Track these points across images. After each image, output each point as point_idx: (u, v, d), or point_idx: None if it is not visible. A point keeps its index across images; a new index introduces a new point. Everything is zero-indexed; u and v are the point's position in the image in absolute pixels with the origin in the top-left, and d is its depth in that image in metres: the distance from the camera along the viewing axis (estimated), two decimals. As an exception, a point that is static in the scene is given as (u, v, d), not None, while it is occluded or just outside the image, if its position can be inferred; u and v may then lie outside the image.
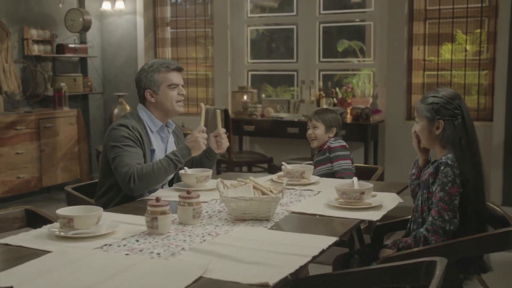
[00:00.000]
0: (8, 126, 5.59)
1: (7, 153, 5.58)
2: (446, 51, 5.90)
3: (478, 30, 5.72)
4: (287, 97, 7.12)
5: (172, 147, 3.02)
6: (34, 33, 6.24)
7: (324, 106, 6.14)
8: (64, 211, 2.08)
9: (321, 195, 2.70)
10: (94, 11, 6.96)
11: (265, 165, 6.15)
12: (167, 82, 2.88)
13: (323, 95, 6.23)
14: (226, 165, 6.02)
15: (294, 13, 6.55)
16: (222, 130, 2.99)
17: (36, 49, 6.26)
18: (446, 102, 2.41)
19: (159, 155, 2.91)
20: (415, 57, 5.94)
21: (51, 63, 6.39)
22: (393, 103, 6.00)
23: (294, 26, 6.57)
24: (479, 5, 5.66)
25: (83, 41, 6.90)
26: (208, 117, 5.93)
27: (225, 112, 5.84)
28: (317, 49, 6.43)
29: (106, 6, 6.96)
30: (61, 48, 6.52)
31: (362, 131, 5.74)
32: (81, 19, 6.53)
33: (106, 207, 2.80)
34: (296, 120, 6.00)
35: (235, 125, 6.13)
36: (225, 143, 2.98)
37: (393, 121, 6.00)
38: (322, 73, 6.49)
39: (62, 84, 6.27)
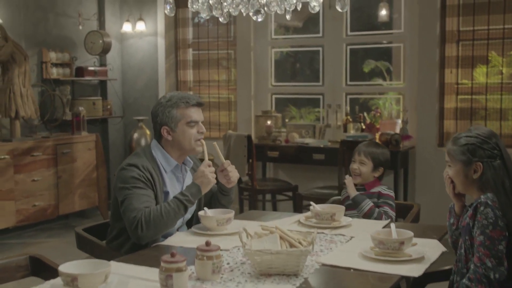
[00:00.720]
0: (24, 152, 5.43)
1: (23, 181, 5.41)
2: (480, 74, 5.62)
3: (515, 52, 5.43)
4: (312, 118, 6.89)
5: None
6: (53, 56, 6.11)
7: (352, 132, 5.89)
8: (68, 267, 1.85)
9: (354, 242, 2.44)
10: (115, 33, 6.82)
11: (290, 193, 5.89)
12: (186, 119, 2.65)
13: (350, 120, 5.97)
14: (249, 193, 5.77)
15: (320, 34, 6.32)
16: (226, 163, 2.76)
17: (55, 73, 6.12)
18: (482, 142, 2.16)
19: None
20: (448, 80, 5.67)
21: (69, 87, 6.25)
22: (424, 129, 5.72)
23: (320, 48, 6.35)
24: (516, 26, 5.37)
25: (103, 63, 6.76)
26: (230, 144, 5.71)
27: (248, 137, 5.62)
28: (344, 72, 6.19)
29: (126, 27, 6.81)
30: (80, 71, 6.38)
31: (392, 158, 5.40)
32: (101, 41, 6.39)
33: (118, 251, 2.59)
34: (322, 146, 5.76)
35: (259, 150, 5.89)
36: (234, 175, 2.76)
37: (425, 148, 5.72)
38: (349, 96, 6.25)
39: (81, 108, 6.11)
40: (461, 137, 2.21)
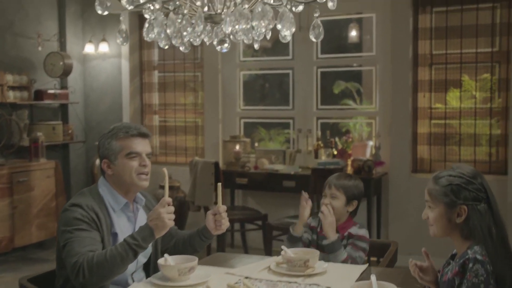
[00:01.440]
0: (-24, 182, 5.09)
1: (-25, 212, 5.07)
2: (454, 98, 5.48)
3: (487, 75, 5.31)
4: (281, 140, 6.69)
5: None
6: (10, 78, 5.78)
7: (323, 157, 5.70)
8: None
9: (330, 294, 2.20)
10: (76, 55, 6.53)
11: (259, 222, 5.65)
12: (126, 150, 2.40)
13: (322, 145, 5.78)
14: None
15: (290, 56, 6.14)
16: (222, 208, 2.53)
17: (11, 96, 5.79)
18: (467, 182, 1.96)
19: None
20: (421, 104, 5.52)
21: (27, 111, 5.94)
22: (397, 154, 5.55)
23: (290, 71, 6.16)
24: (489, 49, 5.26)
25: (63, 86, 6.46)
26: (196, 171, 5.45)
27: (215, 164, 5.38)
28: (315, 95, 6.00)
29: (89, 49, 6.53)
30: (39, 94, 6.07)
31: (365, 185, 5.12)
32: (61, 63, 6.10)
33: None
34: (292, 173, 5.54)
35: (227, 177, 5.65)
36: (225, 223, 2.54)
37: (398, 174, 5.54)
38: (320, 121, 6.06)
39: (39, 133, 5.80)
40: (443, 176, 2.01)
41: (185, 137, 6.57)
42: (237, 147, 5.90)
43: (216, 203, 2.59)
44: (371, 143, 5.80)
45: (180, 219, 6.02)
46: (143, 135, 2.46)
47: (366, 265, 2.58)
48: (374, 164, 5.38)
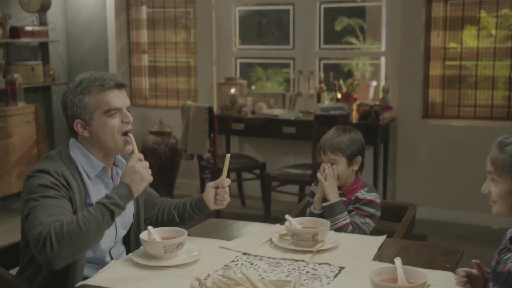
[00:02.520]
0: None
1: None
2: (470, 37, 5.04)
3: (507, 11, 4.85)
4: (280, 80, 6.27)
5: None
6: (-19, 14, 5.30)
7: (326, 102, 5.29)
8: None
9: (345, 278, 1.85)
10: (56, -13, 6.01)
11: (257, 171, 5.30)
12: (103, 107, 2.00)
13: (324, 88, 5.37)
14: (210, 171, 5.16)
15: (290, -10, 5.64)
16: (227, 181, 2.23)
17: (-16, 33, 5.32)
18: None
19: None
20: (434, 44, 5.07)
21: (2, 50, 5.47)
22: (407, 99, 5.15)
23: (290, 7, 5.66)
24: (511, -18, 4.78)
25: (43, 22, 5.97)
26: (188, 117, 5.06)
27: (209, 110, 4.98)
28: (317, 34, 5.53)
29: (69, -19, 6.00)
30: (15, 32, 5.59)
31: (371, 132, 4.90)
32: (38, -3, 5.58)
33: (30, 284, 1.97)
34: (292, 118, 5.15)
35: (222, 123, 5.27)
36: (228, 198, 2.25)
37: (407, 120, 5.15)
38: (322, 61, 5.61)
39: (17, 75, 5.37)
40: (509, 143, 1.62)
41: (176, 79, 6.13)
42: (233, 90, 5.49)
43: (215, 179, 2.28)
44: (374, 83, 5.40)
45: (171, 168, 5.67)
46: (120, 86, 2.05)
47: (383, 238, 2.22)
48: (381, 109, 4.99)
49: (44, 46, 6.02)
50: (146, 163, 1.94)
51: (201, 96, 5.89)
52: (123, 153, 2.09)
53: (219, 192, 2.22)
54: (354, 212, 2.44)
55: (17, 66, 5.59)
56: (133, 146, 2.02)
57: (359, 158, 2.50)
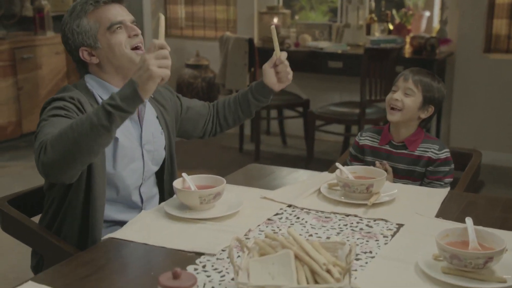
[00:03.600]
0: (-27, 59, 4.62)
1: (-27, 94, 4.65)
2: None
3: None
4: (324, 10, 5.99)
5: (151, 127, 1.98)
6: None
7: (376, 34, 5.01)
8: None
9: (405, 238, 1.68)
10: None
11: (300, 109, 5.10)
12: (104, 23, 1.85)
13: (375, 19, 5.07)
14: (250, 108, 4.99)
15: None
16: (283, 54, 2.08)
17: (9, -45, 5.15)
18: None
19: (129, 145, 1.90)
20: (502, -32, 4.70)
21: (29, -27, 5.31)
22: (467, 30, 4.82)
23: None
24: None
25: None
26: (227, 49, 4.86)
27: (249, 41, 4.77)
28: (369, -43, 5.19)
29: None
30: (43, -45, 5.40)
31: (426, 67, 4.52)
32: None
33: (50, 229, 1.87)
34: (339, 51, 4.91)
35: (263, 56, 5.03)
36: (290, 71, 2.09)
37: (467, 54, 4.84)
38: (374, -12, 5.29)
39: (44, 1, 5.22)
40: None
41: (214, 8, 5.90)
42: (275, 20, 5.26)
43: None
44: (427, 14, 5.08)
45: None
46: (116, 0, 1.89)
47: (447, 190, 2.03)
48: (438, 42, 4.69)
49: (73, -29, 5.82)
50: (164, 53, 1.57)
51: (241, 27, 5.66)
52: None
53: (280, 69, 2.08)
54: (428, 180, 2.24)
55: (45, -7, 5.44)
56: (160, 32, 1.68)
57: (431, 109, 2.28)
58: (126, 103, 1.55)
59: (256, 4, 5.59)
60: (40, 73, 5.12)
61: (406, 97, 2.25)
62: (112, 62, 1.87)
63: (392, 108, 2.27)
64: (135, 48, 1.87)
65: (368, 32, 5.04)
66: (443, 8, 4.94)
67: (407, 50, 4.83)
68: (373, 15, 5.07)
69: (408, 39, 4.91)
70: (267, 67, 2.10)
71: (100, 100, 1.87)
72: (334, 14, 5.67)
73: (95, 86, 1.89)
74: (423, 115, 2.28)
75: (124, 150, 1.88)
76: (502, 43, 4.79)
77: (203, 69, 5.49)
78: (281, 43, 5.14)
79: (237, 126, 2.23)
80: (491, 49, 4.82)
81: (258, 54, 4.87)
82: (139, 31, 1.89)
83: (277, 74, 2.09)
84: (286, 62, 2.08)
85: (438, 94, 2.27)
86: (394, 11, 5.17)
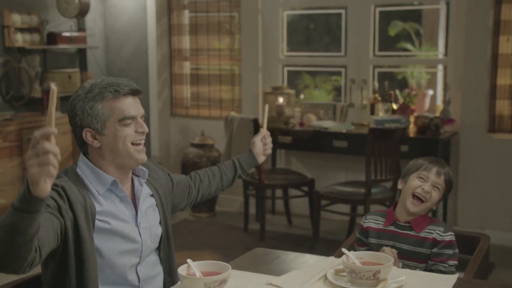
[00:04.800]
0: (-20, 140, 4.67)
1: (-21, 174, 4.67)
2: (543, 44, 4.76)
3: None
4: (328, 88, 6.10)
5: (146, 204, 2.03)
6: (17, 19, 5.27)
7: (380, 114, 5.08)
8: None
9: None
10: (95, -9, 5.98)
11: (306, 188, 5.11)
12: (118, 115, 1.89)
13: (379, 98, 5.15)
14: (255, 188, 5.01)
15: (342, -7, 5.45)
16: (267, 132, 2.47)
17: (20, 40, 5.30)
18: None
19: (124, 228, 1.92)
20: (502, 50, 4.80)
21: (39, 57, 5.44)
22: (471, 111, 4.89)
23: (343, 10, 5.48)
24: None
25: (81, 28, 5.93)
26: (232, 129, 4.93)
27: (254, 122, 4.84)
28: (372, 39, 5.33)
29: (109, -16, 5.96)
30: (52, 38, 5.56)
31: (431, 147, 4.67)
32: (77, 1, 5.53)
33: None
34: (344, 131, 4.96)
35: (267, 135, 5.10)
36: (271, 144, 2.49)
37: (471, 134, 4.89)
38: (377, 69, 5.40)
39: (53, 83, 5.30)
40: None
41: (219, 88, 6.00)
42: (280, 100, 5.33)
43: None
44: (431, 92, 5.17)
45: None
46: (136, 93, 1.94)
47: (455, 277, 2.02)
48: (442, 122, 4.76)
49: (82, 53, 5.98)
50: (45, 147, 1.43)
51: (246, 107, 5.75)
52: (137, 165, 1.96)
53: (267, 141, 2.43)
54: (432, 262, 2.25)
55: (54, 74, 5.57)
56: (264, 119, 2.44)
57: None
58: (25, 204, 1.48)
59: (261, 84, 5.71)
60: (46, 153, 5.17)
61: (434, 191, 2.28)
62: (112, 151, 1.91)
63: (417, 198, 2.28)
64: (136, 143, 1.92)
65: (372, 112, 5.11)
66: (445, 88, 5.03)
67: (412, 130, 4.89)
68: (377, 95, 5.15)
69: (412, 119, 4.97)
70: (257, 140, 2.42)
71: (90, 187, 1.90)
72: (338, 93, 5.77)
73: (86, 173, 1.92)
74: (435, 207, 2.34)
75: (117, 234, 1.90)
76: (505, 123, 4.84)
77: (208, 148, 5.54)
78: (286, 123, 5.22)
79: (216, 195, 2.49)
80: (495, 129, 4.87)
81: (263, 134, 4.92)
82: (147, 130, 1.94)
83: (264, 145, 2.42)
84: (269, 139, 2.44)
85: (451, 186, 2.33)
86: (397, 91, 5.26)
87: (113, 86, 1.88)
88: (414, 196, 2.29)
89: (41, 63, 5.51)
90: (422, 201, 2.28)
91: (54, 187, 1.79)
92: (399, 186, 2.37)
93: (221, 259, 1.98)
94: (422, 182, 2.29)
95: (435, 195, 2.29)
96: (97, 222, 1.86)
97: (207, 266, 1.91)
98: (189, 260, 1.90)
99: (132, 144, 1.91)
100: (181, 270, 1.87)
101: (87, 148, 1.94)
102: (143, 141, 1.95)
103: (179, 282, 1.88)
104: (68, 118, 1.94)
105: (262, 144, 2.42)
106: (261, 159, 2.43)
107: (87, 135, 1.90)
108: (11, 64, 5.23)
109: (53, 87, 1.45)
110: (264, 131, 2.44)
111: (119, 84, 1.90)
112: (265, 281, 1.97)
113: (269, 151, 2.45)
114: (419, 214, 2.30)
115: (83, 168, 1.93)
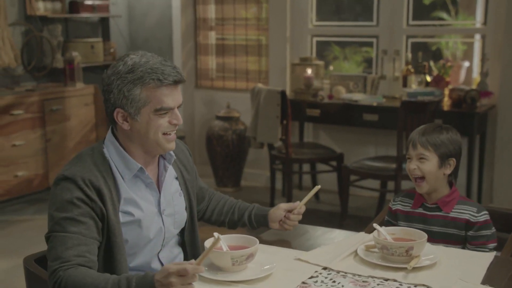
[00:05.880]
0: (2, 110, 4.72)
1: (1, 146, 4.73)
2: None
3: None
4: (358, 60, 6.02)
5: (171, 190, 2.01)
6: (39, -13, 5.30)
7: (413, 86, 5.01)
8: None
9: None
10: (118, -42, 5.96)
11: (334, 163, 5.09)
12: (155, 104, 1.84)
13: (412, 70, 5.08)
14: (282, 162, 5.00)
15: (375, -41, 5.36)
16: (303, 209, 2.13)
17: (41, 8, 5.33)
18: None
19: (145, 215, 1.91)
20: (544, 20, 4.69)
21: (61, 26, 5.48)
22: (510, 83, 4.79)
23: (375, -23, 5.39)
24: None
25: (103, -4, 5.94)
26: (259, 101, 4.91)
27: (281, 94, 4.81)
28: (405, 8, 5.23)
29: (132, -49, 5.94)
30: (74, 6, 5.58)
31: (466, 121, 4.60)
32: (99, -31, 5.54)
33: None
34: (375, 104, 4.91)
35: (295, 108, 5.08)
36: (297, 224, 2.15)
37: (509, 108, 4.80)
38: (410, 40, 5.32)
39: (75, 53, 5.35)
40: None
41: (246, 59, 5.98)
42: (308, 71, 5.28)
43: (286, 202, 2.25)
44: (467, 64, 5.08)
45: (239, 156, 5.54)
46: (179, 82, 1.87)
47: (492, 255, 1.99)
48: (479, 94, 4.67)
49: (104, 22, 6.00)
50: (193, 280, 1.61)
51: (273, 78, 5.72)
52: (164, 152, 1.94)
53: (291, 217, 2.11)
54: (472, 246, 2.20)
55: (76, 44, 5.59)
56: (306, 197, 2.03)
57: (453, 161, 2.24)
58: None
59: (289, 55, 5.66)
60: (68, 124, 5.22)
61: (422, 164, 2.23)
62: (141, 137, 1.88)
63: (415, 179, 2.25)
64: (166, 133, 1.89)
65: (405, 84, 5.04)
66: (483, 59, 4.93)
67: (446, 103, 4.82)
68: (410, 67, 5.08)
69: (446, 91, 4.89)
70: (283, 208, 2.13)
71: (116, 171, 1.88)
72: (368, 65, 5.70)
73: (113, 154, 1.90)
74: (447, 171, 2.25)
75: (140, 225, 1.90)
76: (547, 96, 4.75)
77: (233, 121, 5.53)
78: (314, 95, 5.18)
79: (213, 224, 2.27)
80: (535, 102, 4.78)
81: (291, 107, 4.90)
82: (181, 122, 1.91)
83: (285, 218, 2.12)
84: (300, 216, 2.12)
85: (452, 145, 2.23)
86: (431, 63, 5.18)
87: (157, 74, 1.81)
88: (413, 178, 2.26)
89: (63, 32, 5.54)
90: (418, 178, 2.24)
91: (82, 184, 1.80)
92: None
93: (247, 234, 1.98)
94: (409, 162, 2.26)
95: (426, 167, 2.21)
96: (121, 214, 1.87)
97: (234, 240, 1.92)
98: (216, 233, 1.90)
99: (164, 134, 1.88)
100: (208, 243, 1.87)
101: (116, 125, 1.91)
102: (174, 131, 1.91)
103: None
104: (101, 89, 1.93)
105: (284, 214, 2.12)
106: (273, 226, 2.15)
107: (118, 116, 1.87)
108: (33, 33, 5.27)
109: (218, 236, 1.67)
110: (296, 205, 2.12)
111: (163, 71, 1.82)
112: (293, 256, 1.97)
113: (289, 228, 2.13)
114: (434, 191, 2.25)
115: (111, 150, 1.91)
